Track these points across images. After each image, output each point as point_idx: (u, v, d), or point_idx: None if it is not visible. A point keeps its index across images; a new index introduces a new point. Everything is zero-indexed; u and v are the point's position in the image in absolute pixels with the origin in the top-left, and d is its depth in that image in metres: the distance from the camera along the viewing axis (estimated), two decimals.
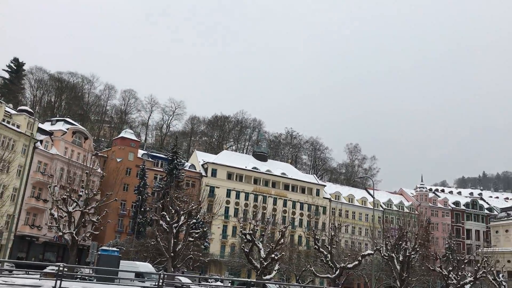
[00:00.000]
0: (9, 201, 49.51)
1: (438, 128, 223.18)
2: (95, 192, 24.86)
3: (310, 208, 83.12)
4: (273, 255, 26.96)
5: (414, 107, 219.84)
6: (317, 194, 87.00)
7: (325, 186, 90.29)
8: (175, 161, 63.91)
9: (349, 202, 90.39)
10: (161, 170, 71.09)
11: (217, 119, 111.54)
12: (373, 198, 73.83)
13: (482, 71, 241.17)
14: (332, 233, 31.79)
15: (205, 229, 30.06)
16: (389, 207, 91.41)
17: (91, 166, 48.80)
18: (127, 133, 73.63)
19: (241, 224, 29.34)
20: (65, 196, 24.08)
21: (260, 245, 28.99)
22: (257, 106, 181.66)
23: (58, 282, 16.72)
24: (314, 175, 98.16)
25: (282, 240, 29.20)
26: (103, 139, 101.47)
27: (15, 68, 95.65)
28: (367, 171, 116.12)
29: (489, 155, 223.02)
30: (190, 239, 27.63)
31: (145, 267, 31.20)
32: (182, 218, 26.88)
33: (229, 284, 39.97)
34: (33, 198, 55.61)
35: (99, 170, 68.53)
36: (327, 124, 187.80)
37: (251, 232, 28.34)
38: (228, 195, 78.16)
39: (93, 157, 66.94)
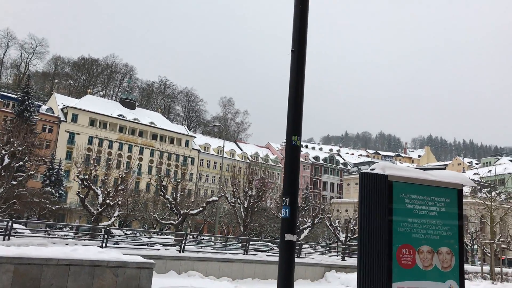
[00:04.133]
0: None
1: (308, 89, 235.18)
2: None
3: (178, 159, 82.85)
4: (108, 201, 25.94)
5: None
6: (187, 145, 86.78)
7: (195, 137, 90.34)
8: (27, 102, 58.18)
9: (218, 154, 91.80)
10: (12, 111, 64.47)
11: (84, 61, 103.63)
12: (242, 150, 75.75)
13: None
14: (178, 180, 31.70)
15: (31, 172, 27.61)
16: (255, 159, 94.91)
17: None
18: None
19: (79, 169, 27.48)
20: None
21: (99, 191, 27.72)
22: (130, 51, 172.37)
23: None
24: (185, 126, 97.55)
25: (122, 186, 28.24)
26: None
27: None
28: (239, 125, 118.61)
29: (351, 116, 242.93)
30: (13, 182, 25.30)
31: None
32: (7, 159, 24.38)
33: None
34: None
35: None
36: (203, 76, 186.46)
37: (87, 177, 26.89)
38: (90, 142, 74.07)
39: None
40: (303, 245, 38.85)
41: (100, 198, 27.37)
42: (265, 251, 30.19)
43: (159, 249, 16.39)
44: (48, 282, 9.15)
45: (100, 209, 26.21)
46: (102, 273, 9.64)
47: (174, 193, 31.19)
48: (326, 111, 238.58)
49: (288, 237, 4.72)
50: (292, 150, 4.95)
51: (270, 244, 37.80)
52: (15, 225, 30.25)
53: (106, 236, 15.33)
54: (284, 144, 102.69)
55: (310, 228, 40.73)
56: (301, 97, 5.00)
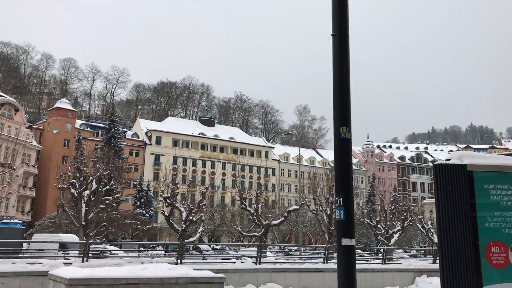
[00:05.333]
0: None
1: (388, 86, 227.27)
2: None
3: (259, 171, 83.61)
4: (190, 217, 26.49)
5: (367, 65, 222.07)
6: (266, 156, 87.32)
7: (273, 148, 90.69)
8: (113, 130, 61.97)
9: (298, 162, 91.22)
10: (100, 140, 69.01)
11: (163, 85, 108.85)
12: (321, 157, 74.71)
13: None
14: (257, 191, 31.69)
15: (116, 196, 29.05)
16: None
17: (23, 139, 46.73)
18: (63, 103, 70.64)
19: (162, 189, 28.47)
20: None
21: (182, 208, 28.43)
22: (205, 70, 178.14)
23: None
24: (263, 138, 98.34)
25: (204, 201, 28.75)
26: (45, 112, 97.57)
27: None
28: (317, 131, 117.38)
29: (437, 111, 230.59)
30: (102, 206, 26.70)
31: (69, 238, 30.33)
32: (94, 185, 25.86)
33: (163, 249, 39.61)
34: None
35: (34, 143, 66.09)
36: (277, 87, 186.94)
37: (169, 195, 27.71)
38: (175, 162, 77.04)
39: (26, 129, 64.67)
40: (396, 250, 37.17)
41: (184, 215, 28.03)
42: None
43: (235, 262, 16.26)
44: None
45: (184, 226, 26.81)
46: None
47: (256, 205, 31.23)
48: (409, 108, 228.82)
49: (345, 241, 4.18)
50: (342, 143, 4.42)
51: (359, 251, 36.55)
52: (109, 247, 32.08)
53: (180, 252, 15.48)
54: (365, 146, 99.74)
55: (400, 232, 38.71)
56: (346, 83, 4.47)
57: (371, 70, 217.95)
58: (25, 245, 25.49)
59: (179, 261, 14.96)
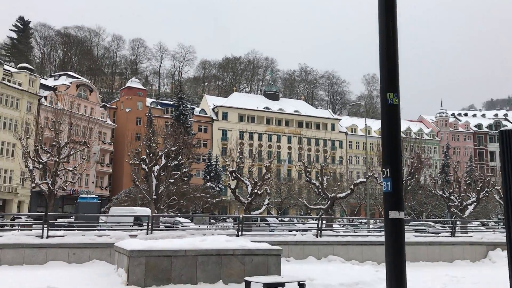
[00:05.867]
0: (20, 158, 51.06)
1: (462, 50, 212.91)
2: (66, 141, 24.70)
3: (326, 143, 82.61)
4: (255, 190, 26.80)
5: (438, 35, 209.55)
6: (333, 128, 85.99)
7: (340, 120, 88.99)
8: (181, 107, 63.74)
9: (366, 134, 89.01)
10: (170, 117, 71.27)
11: (228, 61, 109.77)
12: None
13: None
14: (322, 165, 31.31)
15: (184, 170, 29.93)
16: (407, 135, 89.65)
17: (95, 118, 49.38)
18: (133, 83, 73.47)
19: (227, 163, 29.00)
20: (37, 147, 24.18)
21: (247, 182, 28.84)
22: (269, 44, 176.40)
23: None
24: (329, 110, 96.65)
25: (268, 175, 28.92)
26: (118, 91, 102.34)
27: (22, 27, 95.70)
28: None
29: None
30: (171, 180, 27.71)
31: (143, 211, 31.98)
32: (163, 160, 26.84)
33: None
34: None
35: (108, 121, 69.62)
36: (343, 56, 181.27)
37: (235, 169, 28.18)
38: (241, 137, 78.03)
39: (101, 108, 68.23)
40: (472, 223, 35.47)
41: (249, 189, 28.42)
42: (425, 231, 28.21)
43: (295, 235, 16.21)
44: (178, 273, 9.53)
45: (249, 199, 27.21)
46: (229, 262, 9.73)
47: (321, 178, 30.94)
48: (486, 72, 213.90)
49: (393, 214, 3.91)
50: (389, 110, 4.09)
51: (432, 224, 35.31)
52: (181, 219, 33.42)
53: (241, 224, 15.69)
54: (438, 115, 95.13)
55: (475, 204, 36.78)
56: (393, 44, 4.09)
57: (446, 31, 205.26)
58: (104, 218, 27.21)
59: (239, 233, 15.19)
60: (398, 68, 4.10)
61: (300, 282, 8.82)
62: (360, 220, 37.73)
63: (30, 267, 12.67)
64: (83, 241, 13.95)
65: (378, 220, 36.28)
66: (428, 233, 26.35)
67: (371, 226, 29.88)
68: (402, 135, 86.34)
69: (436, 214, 55.76)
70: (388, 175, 4.00)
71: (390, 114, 4.11)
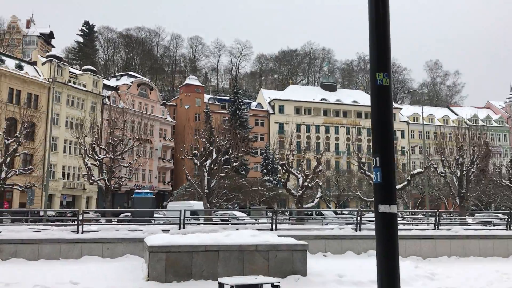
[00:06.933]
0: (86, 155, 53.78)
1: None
2: (115, 139, 25.51)
3: None
4: (306, 183, 26.41)
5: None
6: (394, 118, 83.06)
7: (401, 109, 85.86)
8: (237, 102, 64.33)
9: (429, 122, 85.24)
10: (226, 112, 72.11)
11: (284, 54, 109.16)
12: (456, 115, 68.78)
13: None
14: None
15: (234, 164, 29.97)
16: (474, 123, 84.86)
17: (156, 115, 50.83)
18: (191, 80, 75.04)
19: (278, 156, 28.80)
20: (94, 145, 25.20)
21: (299, 175, 28.51)
22: (325, 34, 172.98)
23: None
24: None
25: (319, 167, 28.39)
26: (178, 89, 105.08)
27: (87, 31, 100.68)
28: (451, 88, 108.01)
29: None
30: (222, 174, 27.92)
31: (199, 205, 32.62)
32: (214, 154, 27.11)
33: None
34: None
35: (169, 118, 71.65)
36: (403, 44, 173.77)
37: (285, 162, 27.91)
38: (298, 129, 77.46)
39: (161, 106, 70.33)
40: None
41: (301, 181, 28.08)
42: (490, 222, 26.50)
43: (332, 229, 15.64)
44: (199, 269, 9.42)
45: (300, 192, 26.87)
46: (251, 257, 9.47)
47: None
48: None
49: (383, 208, 3.51)
50: (379, 91, 3.69)
51: (500, 215, 33.10)
52: (237, 213, 33.70)
53: (275, 217, 15.37)
54: (508, 100, 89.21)
55: None
56: (384, 19, 3.68)
57: None
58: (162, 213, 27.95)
59: (273, 226, 14.93)
60: (390, 46, 3.69)
61: (275, 284, 8.30)
62: (424, 213, 36.18)
63: (65, 262, 13.11)
64: (116, 236, 14.26)
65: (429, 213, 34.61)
66: (493, 225, 24.69)
67: (430, 219, 28.53)
68: (468, 122, 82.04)
69: (506, 206, 52.43)
70: (378, 165, 3.61)
71: (380, 96, 3.71)
